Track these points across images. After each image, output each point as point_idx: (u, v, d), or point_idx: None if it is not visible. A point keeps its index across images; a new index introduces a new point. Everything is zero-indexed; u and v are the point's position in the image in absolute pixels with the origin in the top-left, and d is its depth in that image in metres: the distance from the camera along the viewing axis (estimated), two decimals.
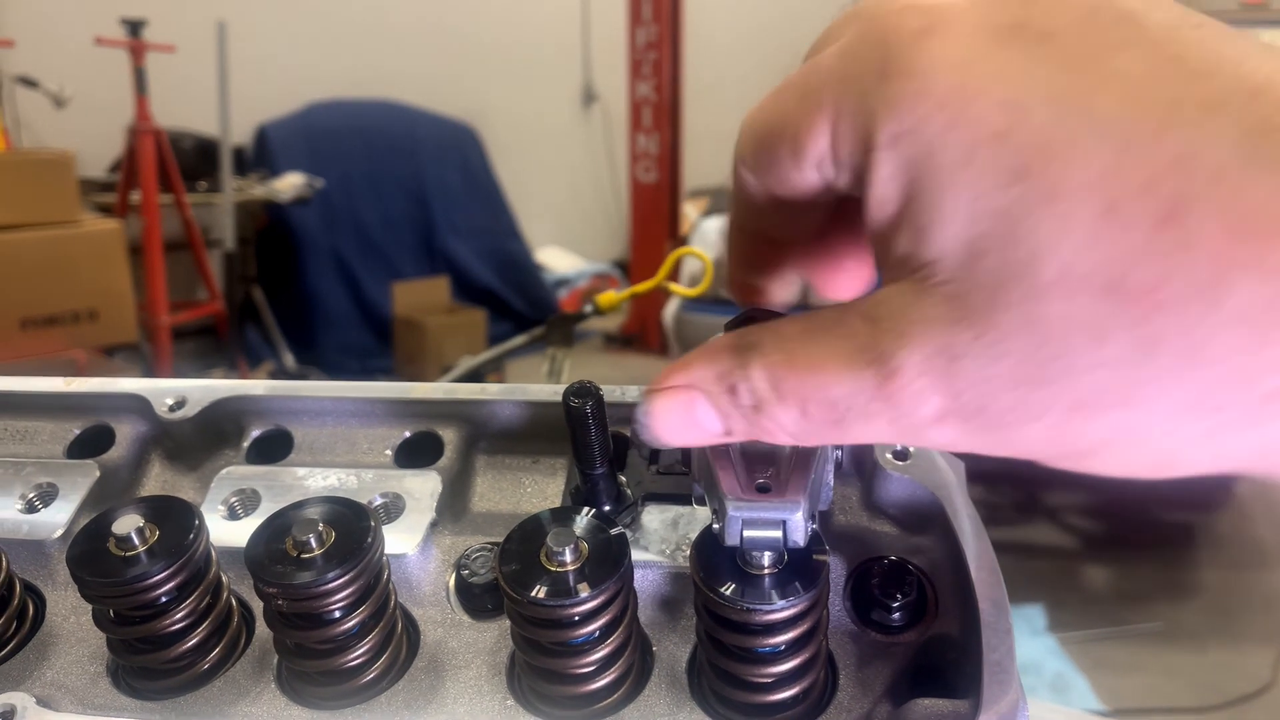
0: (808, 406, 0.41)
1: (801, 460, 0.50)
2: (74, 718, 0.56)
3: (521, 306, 7.45)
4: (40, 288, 4.26)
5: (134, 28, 4.93)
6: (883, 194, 0.38)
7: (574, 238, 8.78)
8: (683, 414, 0.45)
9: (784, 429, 0.42)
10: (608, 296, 1.55)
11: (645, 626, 0.61)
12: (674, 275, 1.25)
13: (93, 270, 4.40)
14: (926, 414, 0.38)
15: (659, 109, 7.01)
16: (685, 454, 0.58)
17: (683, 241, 6.57)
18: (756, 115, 0.45)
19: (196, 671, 0.59)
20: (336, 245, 6.73)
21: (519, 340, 1.67)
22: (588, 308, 1.53)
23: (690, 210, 7.29)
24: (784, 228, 0.51)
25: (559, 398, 0.70)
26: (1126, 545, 4.17)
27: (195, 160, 5.75)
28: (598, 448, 0.61)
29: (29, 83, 5.06)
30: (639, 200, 7.26)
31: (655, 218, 7.18)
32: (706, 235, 5.69)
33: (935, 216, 0.36)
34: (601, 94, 8.63)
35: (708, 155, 7.94)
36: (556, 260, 8.36)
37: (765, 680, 0.54)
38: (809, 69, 0.42)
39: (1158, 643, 3.42)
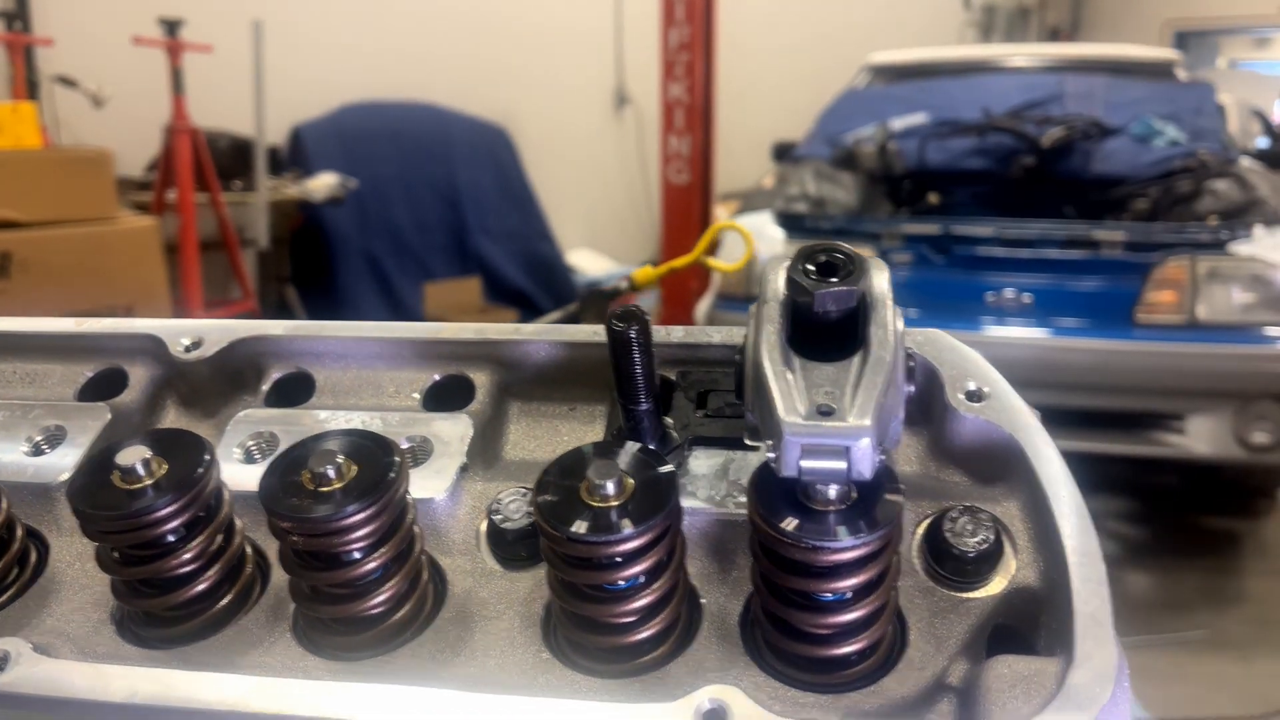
0: None
1: (869, 379, 0.45)
2: (72, 665, 0.51)
3: (552, 308, 7.43)
4: (77, 284, 4.28)
5: (171, 28, 4.96)
6: None
7: (605, 240, 8.75)
8: None
9: None
10: (644, 272, 1.50)
11: (693, 577, 0.56)
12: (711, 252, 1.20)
13: (129, 267, 4.42)
14: None
15: (691, 110, 6.95)
16: (738, 383, 0.53)
17: (713, 248, 6.50)
18: None
19: (206, 619, 0.55)
20: (369, 245, 6.74)
21: (554, 316, 1.62)
22: (623, 283, 1.48)
23: (722, 212, 7.23)
24: None
25: (597, 338, 0.65)
26: (1169, 552, 4.08)
27: (231, 160, 5.78)
28: (642, 379, 0.55)
29: (68, 82, 5.11)
30: (670, 202, 7.20)
31: (687, 220, 7.12)
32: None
33: None
34: (633, 96, 8.60)
35: (740, 157, 7.89)
36: (587, 262, 8.33)
37: (829, 631, 0.49)
38: None
39: (1202, 651, 3.35)
